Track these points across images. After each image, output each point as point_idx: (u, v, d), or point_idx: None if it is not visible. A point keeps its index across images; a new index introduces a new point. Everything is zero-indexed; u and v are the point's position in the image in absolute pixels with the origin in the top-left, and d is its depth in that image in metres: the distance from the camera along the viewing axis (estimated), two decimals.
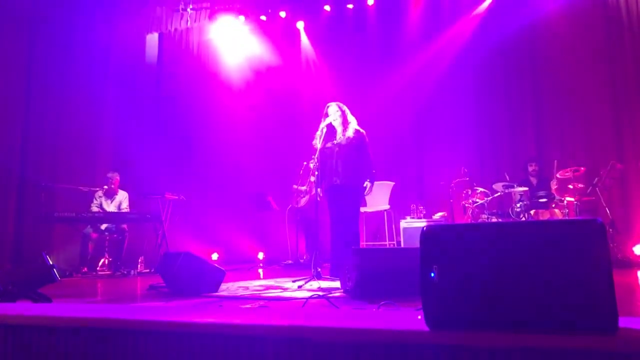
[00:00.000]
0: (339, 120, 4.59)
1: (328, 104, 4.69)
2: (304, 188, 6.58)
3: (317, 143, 4.53)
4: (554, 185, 5.94)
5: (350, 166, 4.46)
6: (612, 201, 6.17)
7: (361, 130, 4.64)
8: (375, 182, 6.93)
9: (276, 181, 8.29)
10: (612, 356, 1.31)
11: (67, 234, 6.56)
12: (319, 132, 4.55)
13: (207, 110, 8.91)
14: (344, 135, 4.55)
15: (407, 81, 7.89)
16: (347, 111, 4.67)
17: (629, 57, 6.51)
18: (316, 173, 4.56)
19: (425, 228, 1.61)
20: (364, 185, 4.49)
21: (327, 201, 4.63)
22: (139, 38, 8.92)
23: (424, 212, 6.69)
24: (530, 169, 6.37)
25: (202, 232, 8.44)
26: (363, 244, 6.97)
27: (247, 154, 8.61)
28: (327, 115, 4.61)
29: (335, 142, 4.56)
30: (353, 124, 4.62)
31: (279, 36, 8.71)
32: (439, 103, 7.68)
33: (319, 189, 4.61)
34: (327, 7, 8.16)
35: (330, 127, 4.61)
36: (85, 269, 6.08)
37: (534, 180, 6.32)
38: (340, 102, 4.75)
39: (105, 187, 6.55)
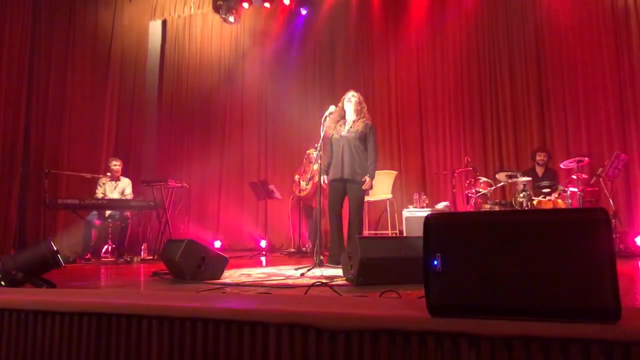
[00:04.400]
0: (352, 109, 4.52)
1: (348, 90, 4.63)
2: (304, 184, 6.57)
3: (323, 128, 4.47)
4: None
5: (355, 160, 4.41)
6: (615, 192, 6.16)
7: (371, 123, 4.56)
8: (379, 171, 6.96)
9: (279, 169, 8.30)
10: (614, 344, 1.32)
11: (70, 221, 6.59)
12: (326, 116, 4.46)
13: (210, 97, 8.89)
14: (354, 126, 4.48)
15: (412, 69, 7.85)
16: (364, 103, 4.61)
17: (634, 48, 6.45)
18: (319, 161, 4.55)
19: (429, 216, 1.61)
20: (363, 179, 4.42)
21: (330, 191, 4.61)
22: (142, 24, 8.88)
23: (427, 202, 6.68)
24: (538, 158, 6.33)
25: (205, 219, 8.47)
26: (365, 232, 6.99)
27: (250, 141, 8.61)
28: (343, 101, 4.55)
29: (343, 133, 4.49)
30: (367, 117, 4.56)
31: (283, 23, 8.65)
32: (443, 92, 7.64)
33: (323, 177, 4.61)
34: None
35: (341, 113, 4.57)
36: (89, 255, 6.12)
37: (540, 170, 6.30)
38: (345, 90, 4.71)
39: (109, 173, 6.57)
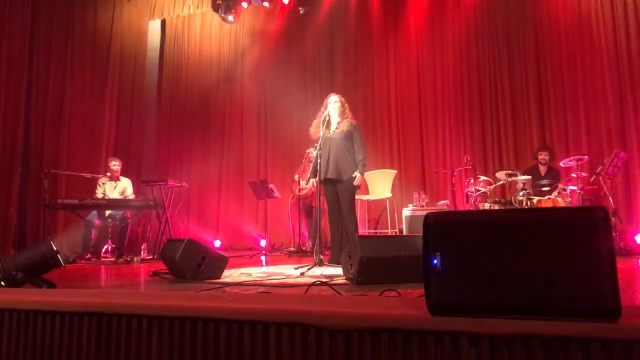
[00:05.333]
0: (336, 112, 4.62)
1: (329, 94, 4.74)
2: (304, 183, 6.57)
3: (316, 132, 4.56)
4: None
5: (341, 160, 4.49)
6: (615, 190, 6.16)
7: (354, 122, 4.65)
8: (378, 170, 6.98)
9: (279, 168, 8.30)
10: (614, 343, 1.32)
11: (70, 221, 6.60)
12: (316, 121, 4.60)
13: (210, 96, 8.89)
14: (338, 128, 4.58)
15: (411, 68, 7.84)
16: (346, 104, 4.71)
17: (634, 46, 6.43)
18: (319, 160, 4.57)
19: (429, 215, 1.61)
20: (353, 176, 4.49)
21: (324, 192, 4.68)
22: (141, 24, 8.87)
23: (427, 201, 6.69)
24: (540, 157, 6.28)
25: (205, 219, 8.48)
26: (365, 231, 6.99)
27: (250, 141, 8.61)
28: (326, 105, 4.64)
29: (329, 135, 4.58)
30: (349, 117, 4.64)
31: (282, 22, 8.64)
32: (443, 90, 7.64)
33: (313, 179, 4.69)
34: None
35: (327, 117, 4.62)
36: (89, 255, 6.12)
37: (542, 169, 6.27)
38: (345, 89, 4.77)
39: (108, 173, 6.58)
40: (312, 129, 4.69)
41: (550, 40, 7.00)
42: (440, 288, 1.53)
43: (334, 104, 4.62)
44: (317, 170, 4.62)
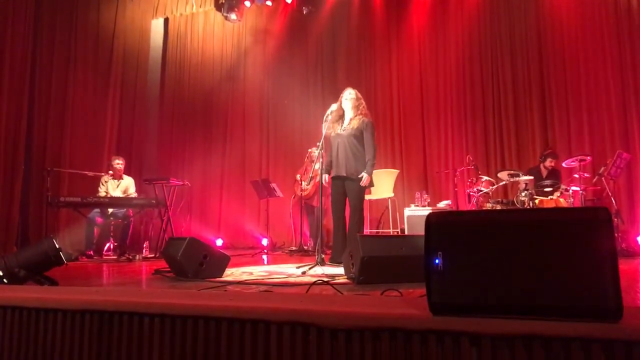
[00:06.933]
0: (349, 105, 4.51)
1: (346, 89, 4.62)
2: (305, 184, 6.56)
3: (327, 127, 4.49)
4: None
5: (350, 157, 4.41)
6: (617, 191, 6.14)
7: (367, 119, 4.52)
8: (381, 170, 6.98)
9: (280, 167, 8.31)
10: (616, 343, 1.32)
11: (72, 219, 6.61)
12: (328, 115, 4.48)
13: (212, 95, 8.90)
14: (350, 124, 4.49)
15: (414, 68, 7.84)
16: (361, 99, 4.59)
17: (637, 46, 6.42)
18: (321, 160, 4.55)
19: (430, 214, 1.61)
20: (359, 176, 4.41)
21: (332, 189, 4.64)
22: (144, 23, 8.87)
23: (429, 200, 6.68)
24: (548, 163, 6.13)
25: (207, 217, 8.49)
26: (367, 231, 6.99)
27: (252, 139, 8.62)
28: (341, 99, 4.55)
29: (340, 130, 4.50)
30: (363, 114, 4.53)
31: (284, 21, 8.65)
32: (445, 90, 7.63)
33: (325, 176, 4.62)
34: None
35: (339, 112, 4.56)
36: (91, 253, 6.13)
37: (544, 172, 6.21)
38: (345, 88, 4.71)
39: (111, 172, 6.59)
40: (325, 124, 4.53)
41: (553, 40, 6.98)
42: (441, 288, 1.52)
43: (347, 96, 4.50)
44: (328, 167, 4.58)
